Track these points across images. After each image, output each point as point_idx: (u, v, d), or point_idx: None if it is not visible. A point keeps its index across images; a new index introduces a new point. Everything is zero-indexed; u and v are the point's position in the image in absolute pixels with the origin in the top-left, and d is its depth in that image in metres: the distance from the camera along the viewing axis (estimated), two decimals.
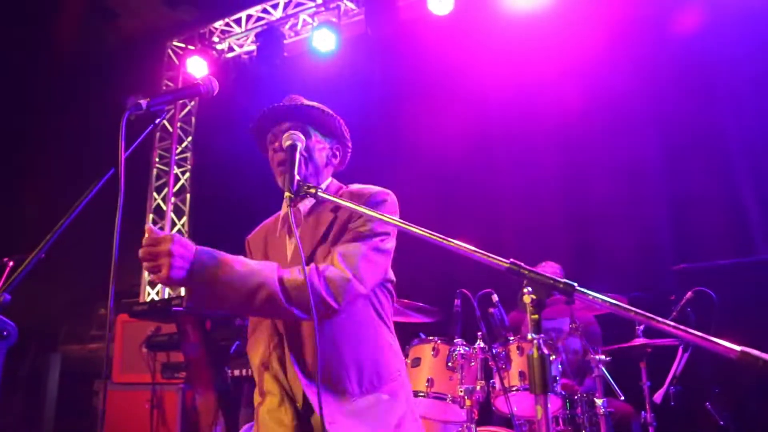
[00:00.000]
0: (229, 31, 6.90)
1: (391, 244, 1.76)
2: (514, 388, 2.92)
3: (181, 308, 3.81)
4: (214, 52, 6.90)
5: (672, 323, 1.11)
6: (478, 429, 2.89)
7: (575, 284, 1.18)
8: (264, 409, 1.75)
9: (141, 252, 1.44)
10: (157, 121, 1.63)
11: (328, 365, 1.64)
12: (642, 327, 3.37)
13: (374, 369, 1.70)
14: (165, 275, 1.39)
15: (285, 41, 6.42)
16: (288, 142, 1.65)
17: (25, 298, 1.27)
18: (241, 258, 1.54)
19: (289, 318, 1.61)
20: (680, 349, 3.29)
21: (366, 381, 1.68)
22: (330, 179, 1.91)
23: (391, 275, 1.88)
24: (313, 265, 1.60)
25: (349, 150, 1.98)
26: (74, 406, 5.79)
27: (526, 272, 1.20)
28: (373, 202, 1.73)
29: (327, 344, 1.63)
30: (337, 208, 1.75)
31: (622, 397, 3.18)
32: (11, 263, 3.96)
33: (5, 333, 1.21)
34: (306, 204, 1.84)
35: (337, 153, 1.93)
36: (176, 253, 1.41)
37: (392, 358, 1.78)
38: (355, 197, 1.74)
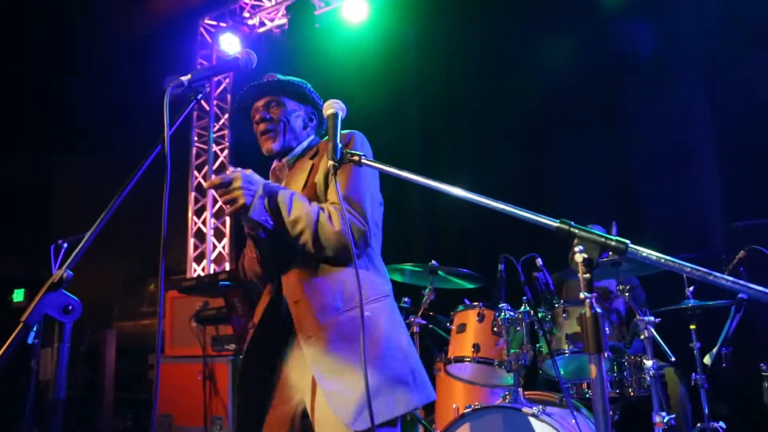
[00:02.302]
0: (259, 6, 6.88)
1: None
2: (560, 352, 2.91)
3: (227, 282, 3.92)
4: (245, 28, 6.91)
5: (731, 278, 1.08)
6: (525, 393, 2.90)
7: (628, 242, 1.15)
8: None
9: (219, 192, 1.76)
10: (199, 96, 1.64)
11: (314, 289, 1.83)
12: (692, 288, 3.29)
13: (355, 290, 1.81)
14: (241, 203, 1.72)
15: (316, 12, 6.37)
16: (330, 110, 1.65)
17: (78, 278, 1.32)
18: (297, 195, 1.83)
19: (313, 250, 1.82)
20: (733, 309, 3.21)
21: (348, 299, 1.82)
22: (310, 137, 2.14)
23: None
24: (336, 213, 1.81)
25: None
26: (131, 378, 6.04)
27: (577, 231, 1.17)
28: (347, 142, 1.93)
29: (313, 273, 1.86)
30: (314, 155, 2.01)
31: (673, 359, 3.13)
32: (66, 245, 4.12)
33: (70, 308, 1.26)
34: (289, 158, 2.09)
35: (313, 117, 2.16)
36: (245, 186, 1.73)
37: (372, 283, 1.90)
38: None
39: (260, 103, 2.09)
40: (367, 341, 1.70)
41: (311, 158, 2.01)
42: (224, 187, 1.75)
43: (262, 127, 2.07)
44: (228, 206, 1.76)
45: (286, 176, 2.07)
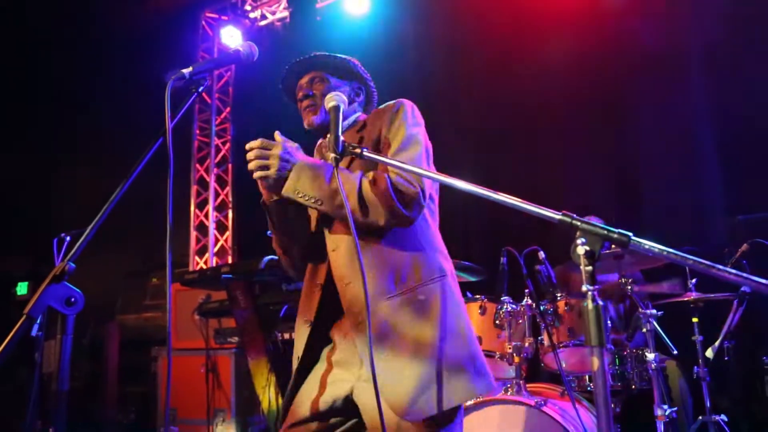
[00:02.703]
0: None
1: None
2: (562, 345, 2.91)
3: (230, 275, 3.92)
4: (247, 21, 6.89)
5: (735, 271, 1.08)
6: (527, 385, 2.91)
7: (630, 234, 1.15)
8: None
9: (253, 153, 1.69)
10: (200, 89, 1.64)
11: (366, 269, 1.64)
12: (694, 281, 3.29)
13: (409, 271, 1.72)
14: (272, 172, 1.67)
15: (317, 5, 6.35)
16: (331, 104, 1.64)
17: (81, 271, 1.32)
18: (335, 167, 1.65)
19: (361, 218, 1.69)
20: (735, 303, 3.20)
21: (401, 282, 1.70)
22: (357, 113, 2.06)
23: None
24: (384, 176, 1.68)
25: (373, 89, 2.13)
26: (134, 371, 6.06)
27: (579, 223, 1.17)
28: (396, 110, 1.86)
29: (368, 252, 1.72)
30: (362, 128, 1.92)
31: (675, 352, 3.13)
32: (68, 238, 4.12)
33: (73, 300, 1.27)
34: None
35: (360, 92, 2.09)
36: (284, 156, 1.68)
37: (427, 261, 1.76)
38: (383, 113, 1.88)
39: (304, 80, 2.04)
40: (421, 326, 1.64)
41: (358, 131, 1.93)
42: (263, 150, 1.69)
43: (305, 103, 1.99)
44: (255, 171, 1.69)
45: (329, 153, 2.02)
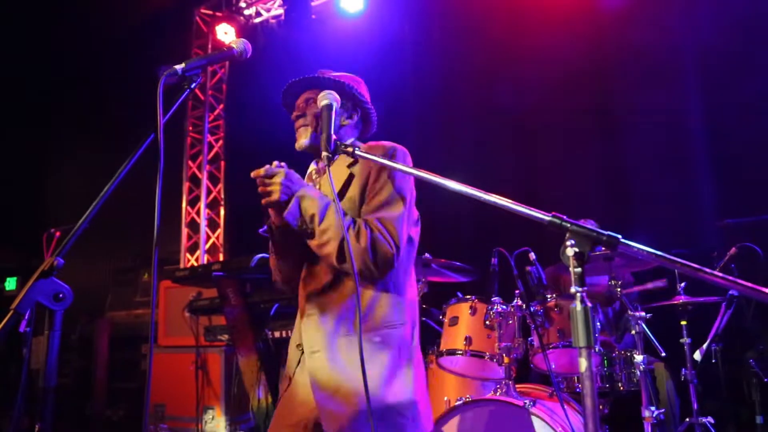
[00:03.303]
0: None
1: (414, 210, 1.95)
2: (552, 346, 2.92)
3: (221, 273, 3.91)
4: (241, 18, 6.87)
5: (722, 275, 1.09)
6: (516, 386, 2.92)
7: (619, 236, 1.16)
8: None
9: (259, 180, 1.77)
10: (193, 85, 1.63)
11: (327, 304, 1.81)
12: (683, 284, 3.31)
13: (372, 313, 1.79)
14: (275, 198, 1.74)
15: (312, 3, 6.34)
16: (324, 102, 1.65)
17: (71, 266, 1.31)
18: (333, 205, 1.77)
19: (336, 264, 1.78)
20: (723, 306, 3.23)
21: (364, 322, 1.77)
22: (351, 138, 2.03)
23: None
24: (366, 231, 1.75)
25: (371, 111, 2.07)
26: (123, 368, 6.04)
27: (569, 225, 1.18)
28: (390, 156, 1.86)
29: (331, 288, 1.83)
30: (353, 164, 1.88)
31: (663, 354, 3.15)
32: (58, 234, 4.10)
33: (61, 295, 1.26)
34: (322, 162, 1.97)
35: (354, 113, 2.04)
36: (285, 184, 1.75)
37: (392, 307, 1.84)
38: (377, 150, 1.85)
39: (300, 100, 2.03)
40: (370, 366, 1.67)
41: (348, 166, 1.90)
42: (266, 178, 1.76)
43: (297, 123, 2.01)
44: (263, 198, 1.77)
45: (321, 178, 2.02)
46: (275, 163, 1.80)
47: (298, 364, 1.88)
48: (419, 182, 1.53)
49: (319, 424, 1.79)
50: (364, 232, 1.75)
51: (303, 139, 1.96)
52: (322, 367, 1.75)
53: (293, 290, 1.99)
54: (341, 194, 1.86)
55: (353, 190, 1.85)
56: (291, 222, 1.75)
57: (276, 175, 1.76)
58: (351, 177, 1.88)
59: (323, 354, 1.76)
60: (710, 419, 3.14)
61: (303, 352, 1.85)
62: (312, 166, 2.08)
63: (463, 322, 3.06)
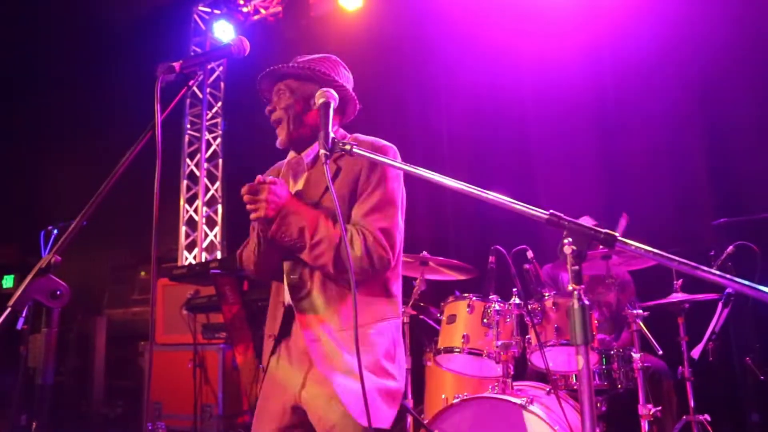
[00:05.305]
0: None
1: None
2: (549, 344, 2.92)
3: (218, 270, 3.92)
4: (240, 15, 6.86)
5: (719, 273, 1.09)
6: (513, 384, 2.92)
7: (617, 234, 1.16)
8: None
9: (245, 197, 1.77)
10: (191, 82, 1.63)
11: (326, 301, 1.82)
12: (680, 282, 3.32)
13: (361, 311, 1.80)
14: (262, 215, 1.73)
15: (310, 0, 6.33)
16: (321, 100, 1.65)
17: (68, 264, 1.31)
18: (322, 216, 1.78)
19: (333, 272, 1.78)
20: (720, 304, 3.23)
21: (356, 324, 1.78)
22: (347, 135, 1.98)
23: None
24: (360, 238, 1.75)
25: (352, 98, 2.01)
26: (121, 365, 6.04)
27: (566, 223, 1.18)
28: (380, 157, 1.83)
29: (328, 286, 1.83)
30: (340, 157, 1.84)
31: (660, 352, 3.16)
32: (56, 231, 4.09)
33: (58, 293, 1.26)
34: (309, 153, 1.95)
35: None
36: (271, 200, 1.74)
37: (382, 306, 1.88)
38: (364, 146, 1.81)
39: (273, 93, 1.97)
40: (367, 353, 1.75)
41: (336, 161, 1.86)
42: (251, 195, 1.76)
43: (271, 119, 1.95)
44: (251, 214, 1.77)
45: (304, 174, 1.95)
46: (259, 177, 1.79)
47: (271, 354, 1.91)
48: (417, 181, 1.53)
49: (297, 406, 1.83)
50: (357, 239, 1.76)
51: (281, 137, 1.94)
52: (333, 350, 1.77)
53: (264, 278, 2.00)
54: (326, 190, 1.84)
55: (342, 187, 1.83)
56: (279, 238, 1.76)
57: (261, 190, 1.75)
58: (338, 170, 1.85)
59: (329, 339, 1.78)
60: (707, 417, 3.15)
61: (276, 342, 1.89)
62: (292, 155, 2.00)
63: (461, 320, 3.06)
